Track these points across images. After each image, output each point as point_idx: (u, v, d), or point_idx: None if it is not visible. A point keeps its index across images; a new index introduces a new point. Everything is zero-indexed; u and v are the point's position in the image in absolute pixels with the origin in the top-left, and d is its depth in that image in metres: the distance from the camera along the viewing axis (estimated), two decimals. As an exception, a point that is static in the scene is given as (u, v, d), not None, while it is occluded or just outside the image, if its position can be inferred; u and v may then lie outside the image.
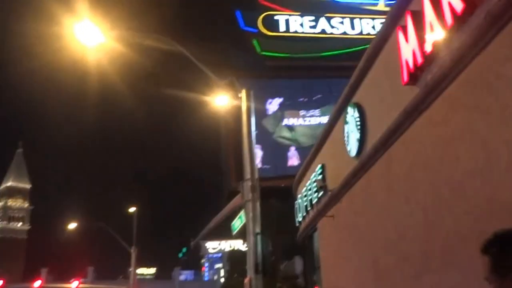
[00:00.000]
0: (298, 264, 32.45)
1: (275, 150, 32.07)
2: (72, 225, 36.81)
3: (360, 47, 33.09)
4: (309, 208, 14.94)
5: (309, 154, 15.27)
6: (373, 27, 34.33)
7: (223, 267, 63.86)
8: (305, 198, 15.43)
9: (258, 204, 16.60)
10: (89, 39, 16.17)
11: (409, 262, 8.08)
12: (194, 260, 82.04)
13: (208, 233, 29.30)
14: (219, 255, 72.02)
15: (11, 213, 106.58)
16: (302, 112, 33.82)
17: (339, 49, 33.93)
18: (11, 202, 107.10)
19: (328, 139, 13.11)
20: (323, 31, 34.54)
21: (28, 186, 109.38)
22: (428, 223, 7.46)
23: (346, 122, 11.22)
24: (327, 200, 12.95)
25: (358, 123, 10.41)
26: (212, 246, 73.40)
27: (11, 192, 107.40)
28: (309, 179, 14.65)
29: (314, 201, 14.13)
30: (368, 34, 33.63)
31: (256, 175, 17.21)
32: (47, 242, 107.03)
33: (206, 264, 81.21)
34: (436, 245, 7.23)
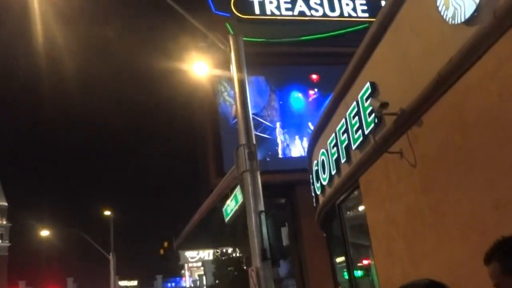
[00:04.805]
0: (281, 266, 27.98)
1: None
2: (44, 233, 35.81)
3: (342, 31, 28.35)
4: (343, 160, 9.80)
5: (343, 74, 9.82)
6: (354, 9, 29.54)
7: (204, 275, 58.62)
8: (334, 150, 10.29)
9: (258, 175, 11.55)
10: None
11: None
12: (175, 268, 76.25)
13: (192, 230, 24.15)
14: (199, 264, 66.20)
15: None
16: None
17: (320, 33, 28.81)
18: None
19: (388, 30, 7.82)
20: (302, 13, 29.42)
21: (5, 204, 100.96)
22: None
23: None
24: (388, 130, 7.78)
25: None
26: (191, 255, 67.43)
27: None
28: (342, 118, 9.51)
29: (355, 144, 8.96)
30: (349, 16, 28.89)
31: (253, 140, 12.12)
32: (27, 257, 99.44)
33: (187, 273, 75.74)
34: None
